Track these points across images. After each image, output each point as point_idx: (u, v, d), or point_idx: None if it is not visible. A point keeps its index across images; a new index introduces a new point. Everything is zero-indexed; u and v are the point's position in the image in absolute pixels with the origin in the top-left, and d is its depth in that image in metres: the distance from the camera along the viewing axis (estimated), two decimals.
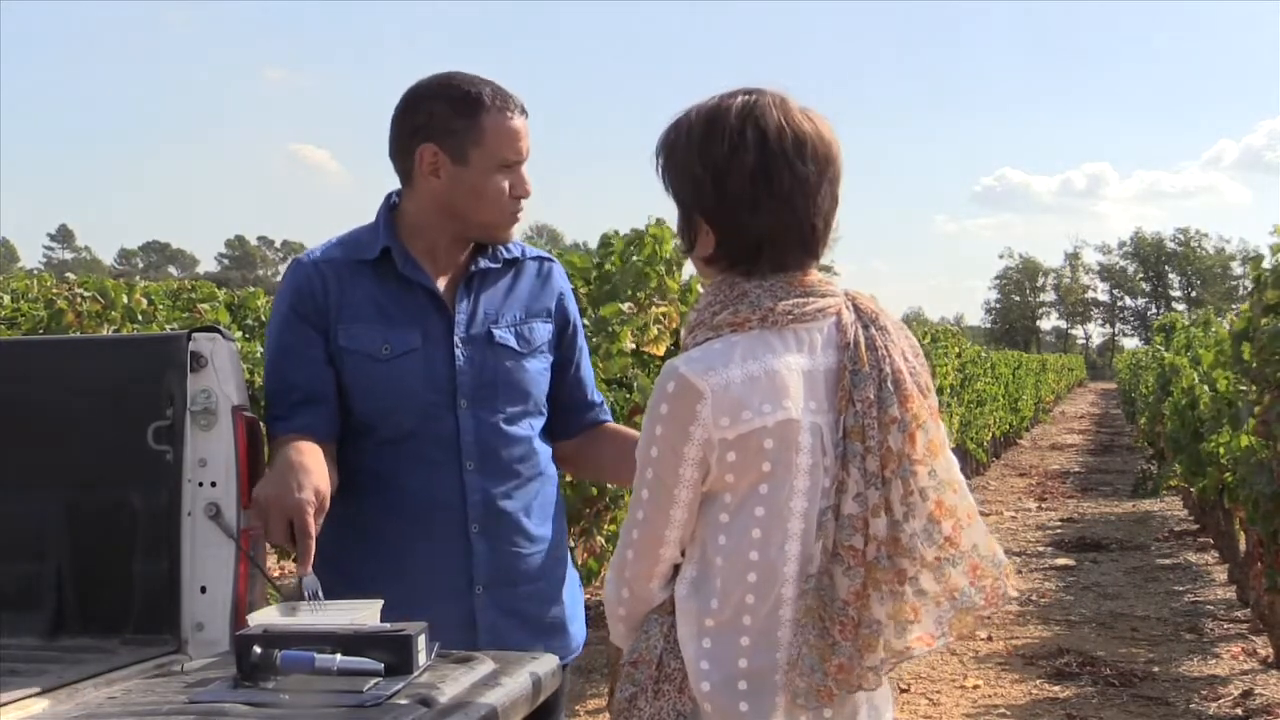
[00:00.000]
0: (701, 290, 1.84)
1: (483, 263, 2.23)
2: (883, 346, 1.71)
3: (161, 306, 8.04)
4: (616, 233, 4.95)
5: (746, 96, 1.73)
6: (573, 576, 2.37)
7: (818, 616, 1.65)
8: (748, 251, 1.72)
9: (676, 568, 1.74)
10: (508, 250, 2.26)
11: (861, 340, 1.70)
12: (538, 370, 2.26)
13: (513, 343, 2.22)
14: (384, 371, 2.16)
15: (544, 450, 2.29)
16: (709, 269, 1.77)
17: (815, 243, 1.74)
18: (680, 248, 1.86)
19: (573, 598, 2.34)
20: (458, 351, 2.18)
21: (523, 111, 2.18)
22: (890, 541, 1.65)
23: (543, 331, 2.27)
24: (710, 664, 1.68)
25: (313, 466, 1.99)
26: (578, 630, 2.34)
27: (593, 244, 5.17)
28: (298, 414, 2.14)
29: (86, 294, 6.97)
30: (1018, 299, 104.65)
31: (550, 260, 2.35)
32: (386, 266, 2.19)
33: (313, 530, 1.92)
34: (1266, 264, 5.08)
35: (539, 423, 2.28)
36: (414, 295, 2.19)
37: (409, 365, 2.16)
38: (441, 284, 2.21)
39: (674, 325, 4.72)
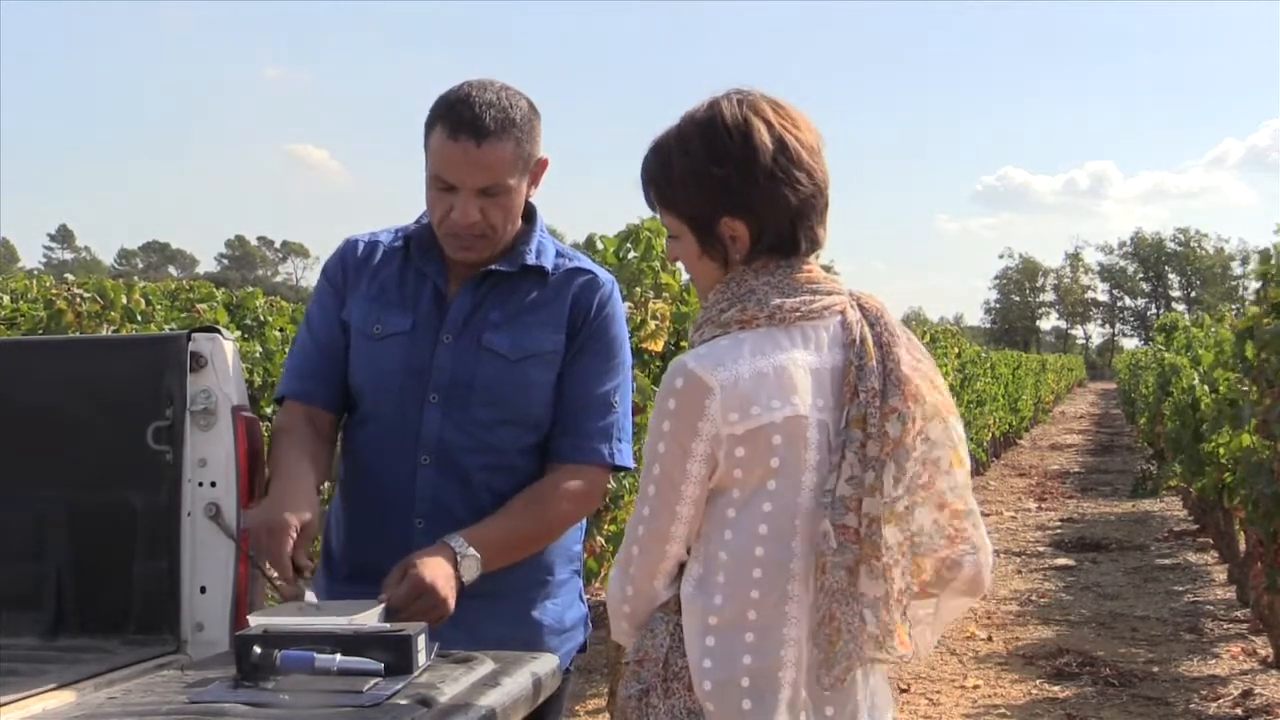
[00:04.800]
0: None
1: (496, 266, 2.18)
2: (888, 343, 1.72)
3: (159, 307, 8.04)
4: (604, 235, 4.94)
5: (726, 98, 1.76)
6: (563, 595, 2.25)
7: (822, 598, 1.67)
8: (783, 232, 1.73)
9: (682, 566, 1.74)
10: (530, 257, 2.19)
11: (868, 337, 1.72)
12: (533, 381, 2.15)
13: (503, 348, 2.14)
14: (371, 350, 2.19)
15: (529, 468, 2.17)
16: (743, 266, 1.75)
17: (827, 214, 1.78)
18: (700, 273, 1.83)
19: (555, 616, 2.23)
20: (441, 345, 2.16)
21: (482, 139, 2.04)
22: (878, 519, 1.65)
23: (547, 341, 2.16)
24: (713, 662, 1.68)
25: (296, 492, 2.02)
26: (558, 651, 2.18)
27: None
28: (303, 377, 2.23)
29: (86, 294, 6.97)
30: (1017, 299, 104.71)
31: (589, 273, 2.22)
32: (411, 255, 2.22)
33: (283, 553, 1.93)
34: (1274, 262, 5.09)
35: (531, 438, 2.17)
36: (423, 285, 2.20)
37: (393, 348, 2.17)
38: (455, 281, 2.20)
39: (669, 322, 4.71)
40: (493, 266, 2.18)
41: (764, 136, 1.71)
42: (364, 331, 2.20)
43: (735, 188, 1.71)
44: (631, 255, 4.81)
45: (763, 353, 1.68)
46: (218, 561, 2.12)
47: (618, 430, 2.21)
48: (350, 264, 2.25)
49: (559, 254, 2.24)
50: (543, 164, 2.18)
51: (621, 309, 2.26)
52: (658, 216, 1.85)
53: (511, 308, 2.18)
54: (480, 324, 2.17)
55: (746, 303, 1.71)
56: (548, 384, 2.17)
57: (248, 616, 1.94)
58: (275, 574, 1.96)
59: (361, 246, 2.26)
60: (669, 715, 1.69)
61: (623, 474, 4.52)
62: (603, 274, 2.25)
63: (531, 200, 2.21)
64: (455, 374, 2.15)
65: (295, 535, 1.95)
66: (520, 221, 2.20)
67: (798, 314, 1.71)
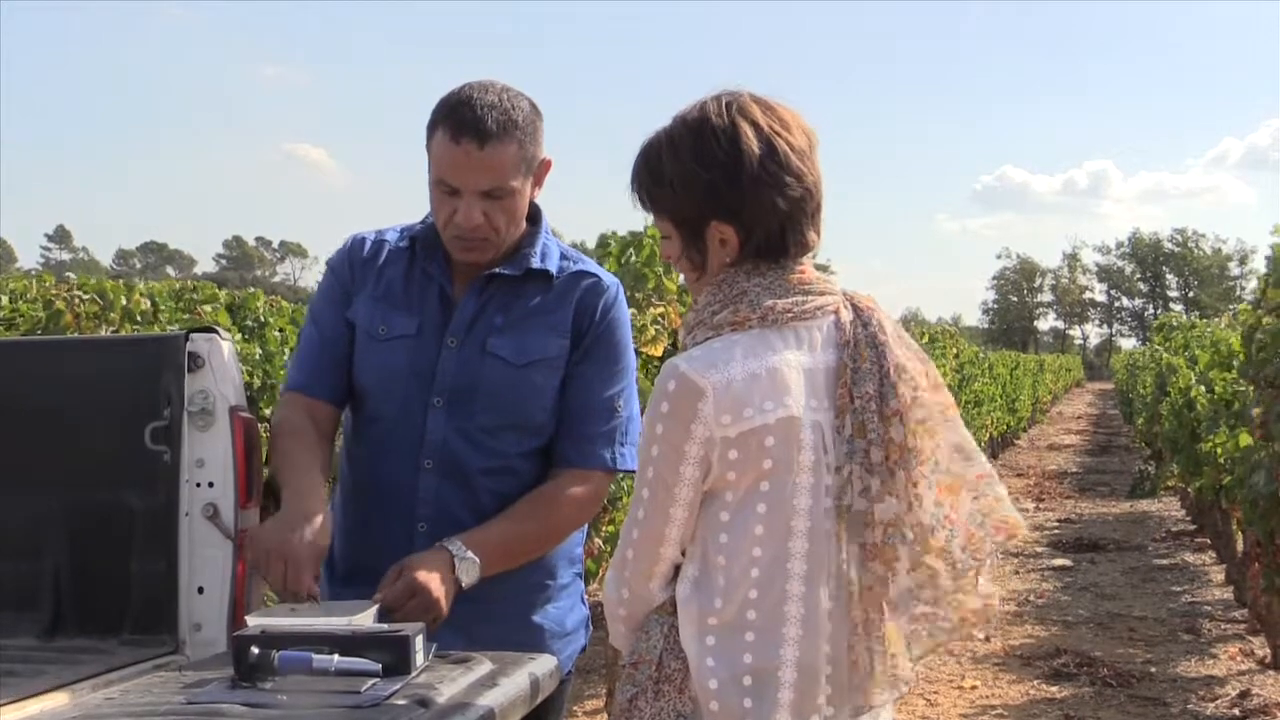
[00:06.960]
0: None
1: (500, 269, 2.17)
2: (882, 343, 1.72)
3: (165, 307, 8.03)
4: (614, 233, 4.94)
5: (715, 100, 1.75)
6: (565, 599, 2.26)
7: (848, 611, 1.69)
8: (772, 236, 1.73)
9: (677, 569, 1.75)
10: (535, 261, 2.18)
11: (862, 338, 1.72)
12: (537, 385, 2.14)
13: (507, 353, 2.13)
14: (376, 351, 2.18)
15: (531, 471, 2.17)
16: (733, 268, 1.75)
17: (819, 217, 1.77)
18: (683, 270, 1.83)
19: (556, 620, 2.23)
20: (445, 349, 2.15)
21: (485, 141, 2.03)
22: (894, 524, 1.68)
23: (551, 345, 2.15)
24: (716, 661, 1.68)
25: (315, 514, 1.98)
26: (559, 655, 2.17)
27: (591, 244, 5.16)
28: (306, 371, 2.21)
29: (85, 295, 6.97)
30: (1015, 299, 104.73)
31: (594, 277, 2.21)
32: (416, 256, 2.21)
33: (304, 584, 1.91)
34: (1262, 263, 5.10)
35: (534, 443, 2.17)
36: (429, 287, 2.19)
37: (398, 350, 2.16)
38: (460, 283, 2.19)
39: (672, 326, 4.72)
40: (497, 270, 2.17)
41: (751, 141, 1.70)
42: (369, 332, 2.18)
43: (723, 192, 1.71)
44: (633, 260, 4.81)
45: (755, 354, 1.68)
46: (215, 562, 2.12)
47: (621, 434, 2.21)
48: (357, 262, 2.23)
49: (563, 256, 2.23)
50: (546, 165, 2.17)
51: (626, 312, 2.25)
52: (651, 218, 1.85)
53: (516, 312, 2.17)
54: (485, 328, 2.16)
55: (738, 304, 1.71)
56: (551, 388, 2.16)
57: (245, 617, 1.94)
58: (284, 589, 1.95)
59: (368, 244, 2.25)
60: (654, 719, 1.69)
61: (620, 475, 4.54)
62: (607, 277, 2.24)
63: (535, 201, 2.21)
64: (459, 378, 2.14)
65: (314, 565, 1.93)
66: (524, 223, 2.19)
67: (790, 315, 1.71)
